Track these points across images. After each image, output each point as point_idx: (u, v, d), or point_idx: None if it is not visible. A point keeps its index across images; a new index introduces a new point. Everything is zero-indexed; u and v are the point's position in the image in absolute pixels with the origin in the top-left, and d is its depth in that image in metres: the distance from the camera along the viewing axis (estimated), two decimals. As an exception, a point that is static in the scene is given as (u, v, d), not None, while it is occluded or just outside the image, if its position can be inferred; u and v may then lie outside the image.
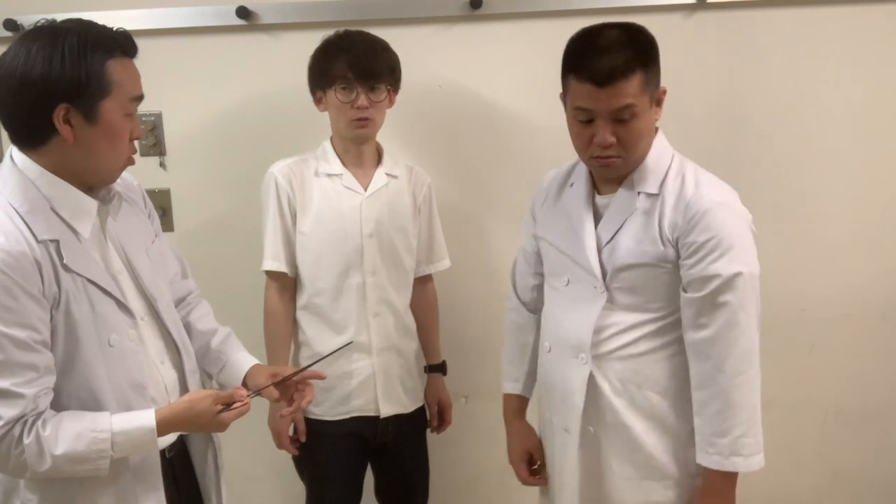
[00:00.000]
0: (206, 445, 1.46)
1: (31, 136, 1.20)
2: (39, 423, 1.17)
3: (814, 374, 2.17)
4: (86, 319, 1.21)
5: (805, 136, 2.06)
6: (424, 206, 1.93)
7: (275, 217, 1.80)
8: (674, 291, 1.42)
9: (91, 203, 1.25)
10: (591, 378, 1.48)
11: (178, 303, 1.52)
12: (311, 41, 1.81)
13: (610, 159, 1.41)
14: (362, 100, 1.73)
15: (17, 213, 1.17)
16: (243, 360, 1.49)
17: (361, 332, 1.82)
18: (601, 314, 1.46)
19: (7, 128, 1.21)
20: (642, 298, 1.45)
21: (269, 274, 1.83)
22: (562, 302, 1.55)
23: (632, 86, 1.35)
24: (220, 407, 1.27)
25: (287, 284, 1.85)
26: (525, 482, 1.71)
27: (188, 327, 1.50)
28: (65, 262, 1.19)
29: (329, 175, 1.82)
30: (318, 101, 1.81)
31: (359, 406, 1.84)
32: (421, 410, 1.97)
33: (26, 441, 1.15)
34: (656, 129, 1.48)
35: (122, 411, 1.24)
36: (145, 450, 1.25)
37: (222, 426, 1.29)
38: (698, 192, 1.39)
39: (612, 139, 1.38)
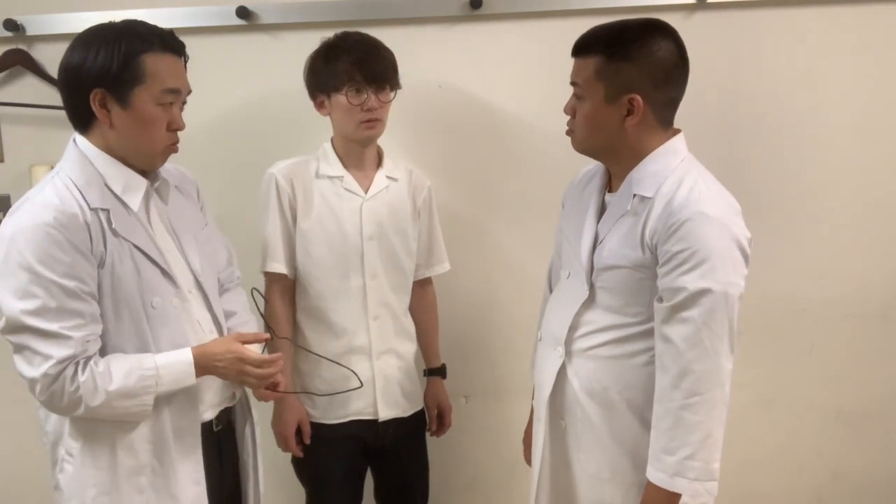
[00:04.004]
0: (245, 420, 1.59)
1: (79, 119, 1.37)
2: (92, 362, 1.31)
3: (814, 374, 2.17)
4: (129, 280, 1.36)
5: (805, 136, 2.06)
6: (424, 209, 1.93)
7: (275, 218, 1.80)
8: (653, 299, 1.39)
9: (140, 181, 1.41)
10: (563, 372, 1.50)
11: (220, 286, 1.65)
12: (311, 41, 1.81)
13: (569, 130, 1.48)
14: (373, 101, 1.73)
15: (75, 185, 1.34)
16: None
17: (361, 335, 1.81)
18: (580, 310, 1.48)
19: (66, 112, 1.39)
20: (621, 301, 1.43)
21: (270, 276, 1.83)
22: (558, 294, 1.58)
23: (585, 67, 1.40)
24: (243, 348, 1.43)
25: (287, 286, 1.84)
26: (527, 462, 1.76)
27: None
28: (113, 226, 1.35)
29: (330, 177, 1.81)
30: (319, 105, 1.80)
31: (358, 409, 1.84)
32: (420, 413, 1.96)
33: (81, 378, 1.30)
34: (676, 132, 1.45)
35: None
36: (184, 384, 1.39)
37: (241, 365, 1.43)
38: (686, 201, 1.34)
39: (570, 111, 1.47)
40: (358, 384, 1.70)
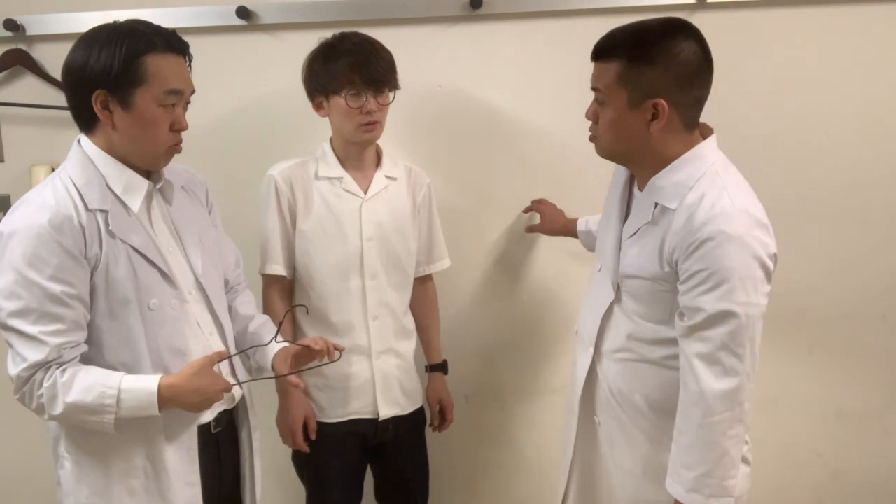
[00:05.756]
0: (242, 425, 1.58)
1: (83, 120, 1.37)
2: (59, 370, 1.30)
3: (814, 374, 2.17)
4: (125, 282, 1.35)
5: (805, 136, 2.06)
6: (424, 206, 1.93)
7: (274, 220, 1.80)
8: (674, 308, 1.38)
9: (142, 182, 1.40)
10: (594, 372, 1.53)
11: (230, 287, 1.66)
12: (311, 41, 1.80)
13: (592, 136, 1.45)
14: (372, 104, 1.72)
15: (75, 185, 1.34)
16: (273, 344, 1.57)
17: (360, 335, 1.82)
18: (607, 313, 1.49)
19: (71, 112, 1.39)
20: (644, 307, 1.43)
21: (269, 278, 1.83)
22: (591, 288, 1.59)
23: (606, 72, 1.35)
24: (222, 377, 1.38)
25: (286, 287, 1.85)
26: None
27: (231, 311, 1.63)
28: (110, 228, 1.34)
29: (329, 178, 1.81)
30: (318, 107, 1.79)
31: (357, 408, 1.84)
32: (419, 411, 1.96)
33: (46, 385, 1.29)
34: (707, 131, 1.42)
35: (158, 372, 1.37)
36: (147, 412, 1.33)
37: (215, 399, 1.38)
38: (707, 218, 1.30)
39: (592, 117, 1.43)
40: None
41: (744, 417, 1.34)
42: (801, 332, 2.16)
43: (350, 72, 1.70)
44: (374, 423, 1.86)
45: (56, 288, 1.28)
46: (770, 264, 1.33)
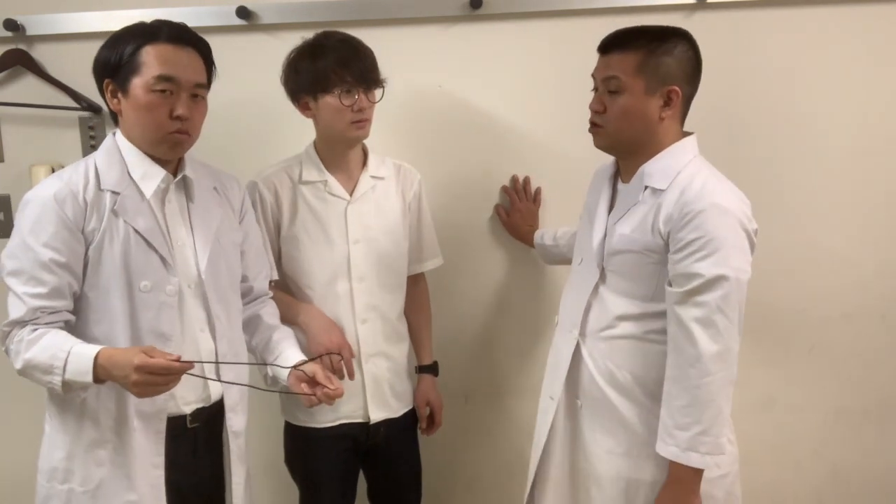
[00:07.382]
0: (223, 427, 1.59)
1: (110, 111, 1.50)
2: (29, 328, 1.38)
3: (814, 374, 2.17)
4: (117, 260, 1.42)
5: (805, 136, 2.06)
6: (414, 203, 1.90)
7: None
8: (660, 282, 1.46)
9: (158, 170, 1.48)
10: (578, 353, 1.58)
11: (255, 296, 1.71)
12: (311, 41, 1.80)
13: (595, 126, 1.53)
14: (364, 101, 1.71)
15: (96, 168, 1.46)
16: (292, 356, 1.60)
17: (349, 339, 1.79)
18: (592, 294, 1.56)
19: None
20: (630, 284, 1.50)
21: None
22: (572, 280, 1.66)
23: (623, 61, 1.46)
24: (139, 359, 1.29)
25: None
26: None
27: (258, 319, 1.69)
28: (115, 208, 1.43)
29: (312, 182, 1.79)
30: (303, 108, 1.77)
31: (348, 413, 1.82)
32: (411, 412, 1.94)
33: (15, 340, 1.39)
34: (685, 133, 1.52)
35: None
36: (84, 377, 1.35)
37: (130, 380, 1.30)
38: (700, 192, 1.41)
39: (599, 106, 1.51)
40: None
41: (733, 378, 1.42)
42: (801, 332, 2.16)
43: (341, 69, 1.68)
44: (365, 426, 1.84)
45: (46, 254, 1.38)
46: (754, 239, 1.45)
